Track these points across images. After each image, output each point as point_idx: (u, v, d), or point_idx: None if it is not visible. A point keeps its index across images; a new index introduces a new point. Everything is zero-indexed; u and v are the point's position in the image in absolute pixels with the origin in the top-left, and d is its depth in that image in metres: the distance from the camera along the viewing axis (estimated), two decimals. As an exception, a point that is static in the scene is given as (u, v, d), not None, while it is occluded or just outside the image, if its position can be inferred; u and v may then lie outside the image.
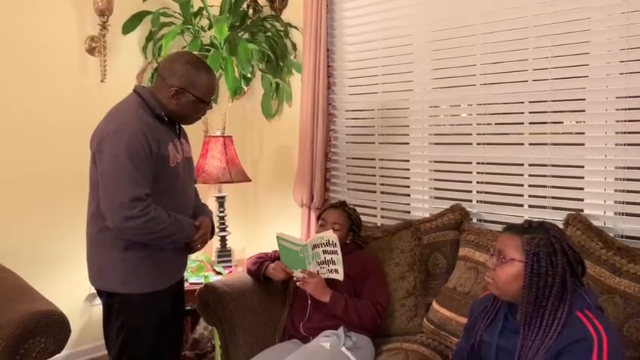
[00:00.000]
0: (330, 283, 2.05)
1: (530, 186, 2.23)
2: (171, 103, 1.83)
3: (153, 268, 1.85)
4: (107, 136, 1.73)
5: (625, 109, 1.98)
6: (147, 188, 1.72)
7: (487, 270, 1.47)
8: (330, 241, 1.98)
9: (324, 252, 2.01)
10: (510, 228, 1.47)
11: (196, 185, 2.16)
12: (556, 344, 1.30)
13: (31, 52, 2.87)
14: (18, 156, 2.85)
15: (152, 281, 1.86)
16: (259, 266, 2.27)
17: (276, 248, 2.18)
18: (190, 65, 1.82)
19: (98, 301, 3.10)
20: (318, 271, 2.06)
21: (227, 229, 3.04)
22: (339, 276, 2.00)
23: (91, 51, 3.08)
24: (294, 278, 2.11)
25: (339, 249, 1.98)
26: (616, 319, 1.66)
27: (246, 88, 3.28)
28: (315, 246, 2.02)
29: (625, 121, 1.98)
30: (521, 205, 2.25)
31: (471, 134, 2.39)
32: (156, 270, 1.86)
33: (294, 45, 3.10)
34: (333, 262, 2.01)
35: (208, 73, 1.86)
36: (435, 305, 2.17)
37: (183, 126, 2.00)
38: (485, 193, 2.36)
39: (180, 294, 2.08)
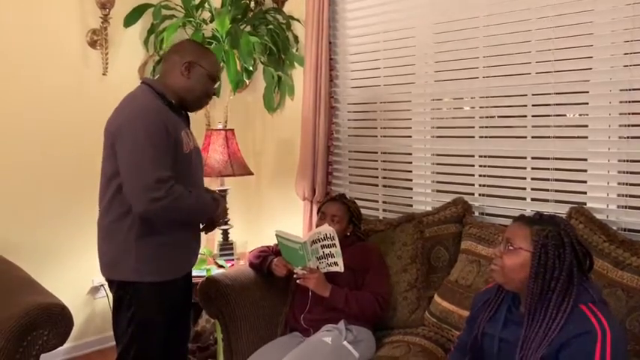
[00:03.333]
0: (333, 275, 2.05)
1: (532, 179, 2.22)
2: (182, 80, 1.88)
3: (168, 256, 1.84)
4: (124, 123, 1.74)
5: (629, 102, 1.97)
6: (169, 170, 1.73)
7: (494, 258, 1.47)
8: (328, 235, 1.98)
9: (323, 247, 2.01)
10: (521, 218, 1.46)
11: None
12: (559, 337, 1.30)
13: (33, 46, 2.87)
14: (20, 149, 2.85)
15: (167, 269, 1.85)
16: (262, 260, 2.27)
17: (278, 241, 2.19)
18: (198, 44, 2.06)
19: (101, 293, 3.15)
20: (317, 267, 2.06)
21: (229, 222, 3.04)
22: (339, 268, 2.00)
23: (92, 44, 3.07)
24: (295, 276, 2.11)
25: (337, 242, 1.98)
26: (618, 313, 1.66)
27: (248, 82, 3.27)
28: (313, 242, 2.02)
29: (628, 113, 1.97)
30: (524, 199, 2.25)
31: (473, 127, 2.38)
32: (171, 257, 1.86)
33: (296, 38, 3.09)
34: (332, 256, 2.01)
35: (213, 53, 2.05)
36: (436, 298, 2.17)
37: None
38: (488, 186, 2.36)
39: (190, 284, 2.07)
